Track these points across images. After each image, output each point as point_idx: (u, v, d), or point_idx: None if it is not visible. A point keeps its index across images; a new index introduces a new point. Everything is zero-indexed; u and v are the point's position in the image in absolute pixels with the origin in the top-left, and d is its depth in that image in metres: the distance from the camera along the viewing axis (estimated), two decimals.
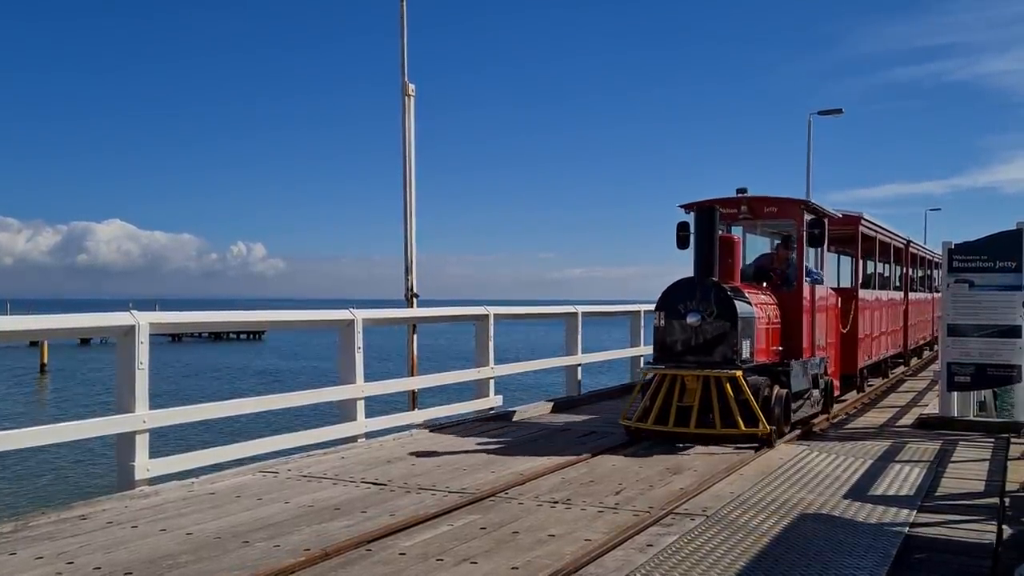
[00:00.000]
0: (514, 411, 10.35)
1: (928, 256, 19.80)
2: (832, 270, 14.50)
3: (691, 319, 8.29)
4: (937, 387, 10.50)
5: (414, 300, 10.89)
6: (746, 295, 8.68)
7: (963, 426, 9.42)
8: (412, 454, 7.73)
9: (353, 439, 8.25)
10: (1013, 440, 8.54)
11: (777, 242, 10.78)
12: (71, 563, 4.48)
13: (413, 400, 10.07)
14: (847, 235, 12.77)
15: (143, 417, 6.30)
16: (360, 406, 8.39)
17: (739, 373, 8.08)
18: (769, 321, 9.12)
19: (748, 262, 10.52)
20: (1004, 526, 5.28)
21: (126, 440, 6.29)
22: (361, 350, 8.43)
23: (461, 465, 7.26)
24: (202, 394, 27.51)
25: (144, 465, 6.28)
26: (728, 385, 8.04)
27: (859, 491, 6.31)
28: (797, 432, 8.90)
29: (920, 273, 19.71)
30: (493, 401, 10.41)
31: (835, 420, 10.17)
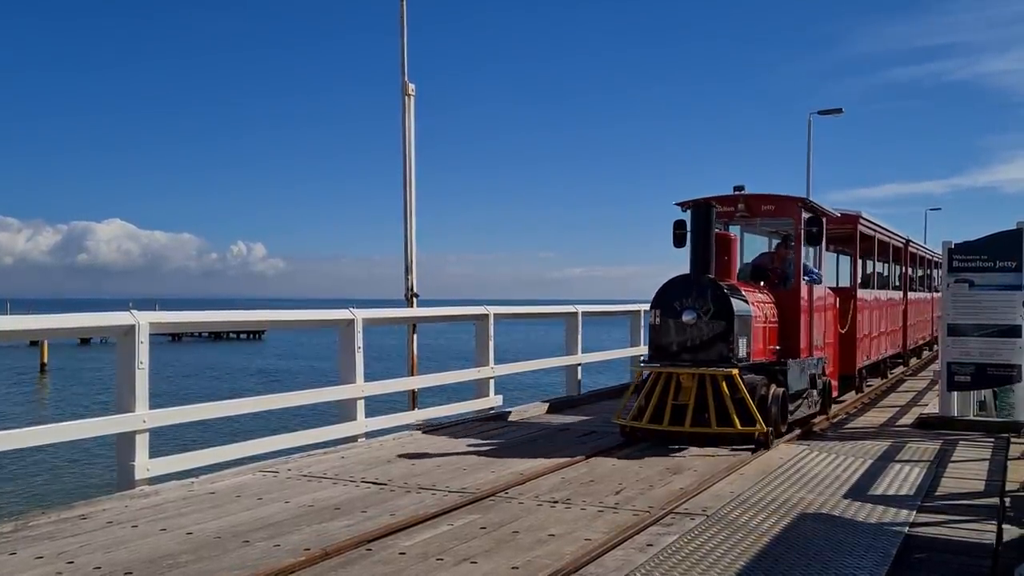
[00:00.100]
0: (514, 411, 10.35)
1: (927, 256, 19.78)
2: (831, 269, 14.48)
3: (687, 317, 8.20)
4: (937, 387, 10.51)
5: (414, 300, 10.89)
6: (743, 293, 8.63)
7: (963, 426, 9.42)
8: (412, 454, 7.73)
9: (353, 439, 8.25)
10: (1013, 440, 8.55)
11: (776, 241, 10.76)
12: (71, 563, 4.48)
13: (413, 400, 10.07)
14: (846, 234, 12.76)
15: (143, 417, 6.31)
16: (360, 406, 8.39)
17: (735, 371, 7.96)
18: (766, 320, 9.07)
19: (746, 261, 10.51)
20: (1004, 526, 5.28)
21: (126, 440, 6.29)
22: (361, 350, 8.42)
23: (461, 465, 7.26)
24: (202, 394, 27.48)
25: (144, 465, 6.28)
26: (724, 383, 7.94)
27: (859, 491, 6.31)
28: (797, 432, 8.88)
29: (919, 273, 19.70)
30: (493, 401, 10.40)
31: (835, 420, 10.16)
